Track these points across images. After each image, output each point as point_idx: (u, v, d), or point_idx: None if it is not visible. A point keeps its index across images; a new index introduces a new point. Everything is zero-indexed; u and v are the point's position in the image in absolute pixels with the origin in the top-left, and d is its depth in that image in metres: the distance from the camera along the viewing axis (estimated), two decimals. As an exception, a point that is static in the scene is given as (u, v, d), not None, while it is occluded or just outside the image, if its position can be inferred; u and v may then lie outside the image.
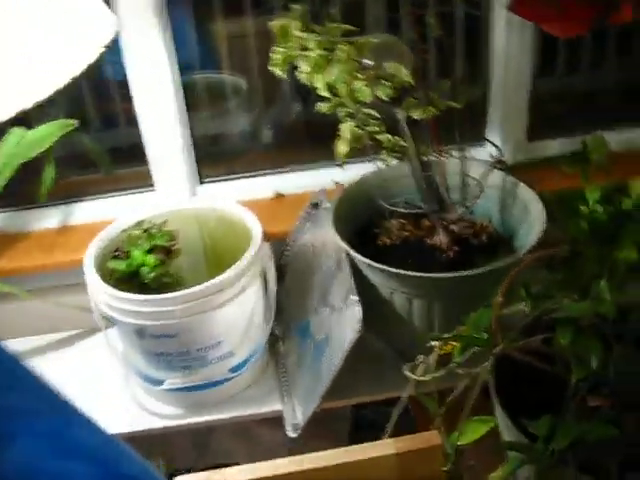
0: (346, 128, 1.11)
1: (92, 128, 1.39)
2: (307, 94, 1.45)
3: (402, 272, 0.94)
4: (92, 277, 1.02)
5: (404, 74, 0.95)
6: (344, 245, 1.03)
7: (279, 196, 1.35)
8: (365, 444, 0.74)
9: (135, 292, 1.00)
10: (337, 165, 1.14)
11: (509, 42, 1.22)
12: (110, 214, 1.28)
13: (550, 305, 0.70)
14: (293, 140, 1.53)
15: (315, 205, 1.22)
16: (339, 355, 0.97)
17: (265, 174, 1.39)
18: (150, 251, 1.06)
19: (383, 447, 0.72)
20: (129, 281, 1.04)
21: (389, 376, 1.10)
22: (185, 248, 1.13)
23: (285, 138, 1.53)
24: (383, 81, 0.98)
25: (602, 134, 1.20)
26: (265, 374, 1.16)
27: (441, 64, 1.16)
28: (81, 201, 1.35)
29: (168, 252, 1.09)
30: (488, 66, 1.27)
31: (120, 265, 1.04)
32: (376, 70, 0.96)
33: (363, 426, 1.35)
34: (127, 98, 1.23)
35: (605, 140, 1.20)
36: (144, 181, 1.34)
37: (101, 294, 1.01)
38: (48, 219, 1.33)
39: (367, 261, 0.98)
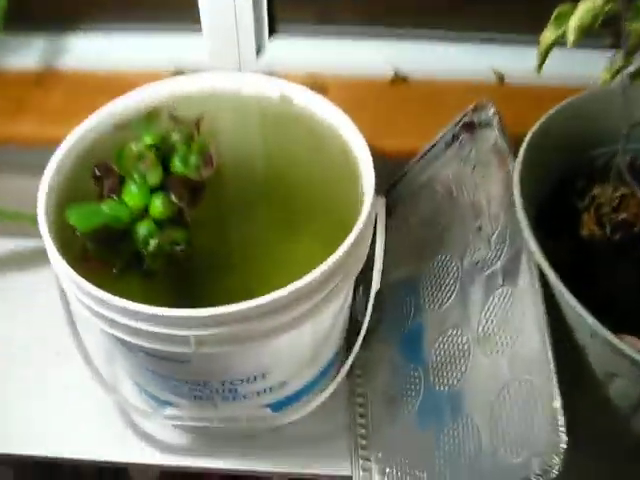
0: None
1: None
2: None
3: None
4: (50, 248, 0.51)
5: None
6: (537, 252, 0.52)
7: (399, 80, 0.79)
8: None
9: (117, 269, 0.51)
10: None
11: None
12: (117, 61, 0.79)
13: None
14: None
15: (469, 126, 0.67)
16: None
17: (375, 37, 0.82)
18: (161, 189, 0.55)
19: None
20: (110, 244, 0.54)
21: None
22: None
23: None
24: None
25: None
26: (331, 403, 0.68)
27: None
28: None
29: (195, 189, 0.57)
30: None
31: (97, 215, 0.52)
32: None
33: None
34: None
35: None
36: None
37: (69, 283, 0.52)
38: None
39: (585, 314, 0.47)
